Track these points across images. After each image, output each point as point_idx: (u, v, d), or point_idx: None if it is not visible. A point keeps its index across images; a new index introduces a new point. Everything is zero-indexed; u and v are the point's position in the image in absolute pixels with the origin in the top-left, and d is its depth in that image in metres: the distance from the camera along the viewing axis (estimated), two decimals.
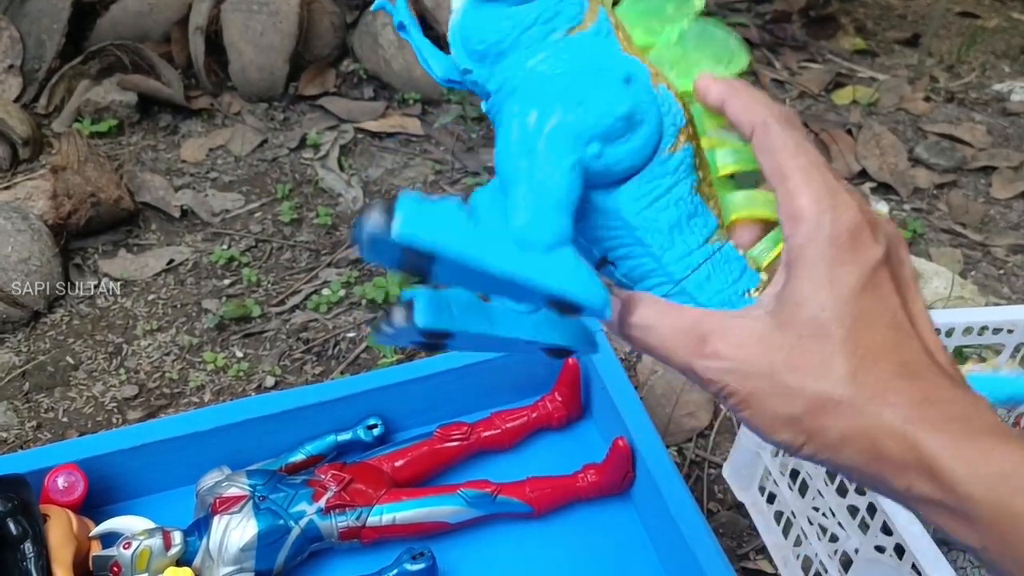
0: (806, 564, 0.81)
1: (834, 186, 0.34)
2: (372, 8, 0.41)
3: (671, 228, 0.38)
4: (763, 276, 0.40)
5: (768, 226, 0.40)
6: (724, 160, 0.39)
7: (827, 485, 0.77)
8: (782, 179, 0.35)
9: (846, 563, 0.74)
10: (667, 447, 0.96)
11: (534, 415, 0.89)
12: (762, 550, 0.86)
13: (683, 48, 0.39)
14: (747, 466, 0.88)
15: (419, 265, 0.32)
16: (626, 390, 0.86)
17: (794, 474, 0.83)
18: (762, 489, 0.87)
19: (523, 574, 0.80)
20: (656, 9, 0.39)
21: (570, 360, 0.89)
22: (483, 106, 0.40)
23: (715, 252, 0.39)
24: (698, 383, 0.36)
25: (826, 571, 0.77)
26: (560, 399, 0.90)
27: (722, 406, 0.37)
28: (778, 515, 0.86)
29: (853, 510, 0.75)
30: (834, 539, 0.78)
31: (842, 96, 1.71)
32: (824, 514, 0.78)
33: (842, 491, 0.75)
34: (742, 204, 0.40)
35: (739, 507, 0.89)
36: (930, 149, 1.54)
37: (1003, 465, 0.30)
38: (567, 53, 0.37)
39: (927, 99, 1.75)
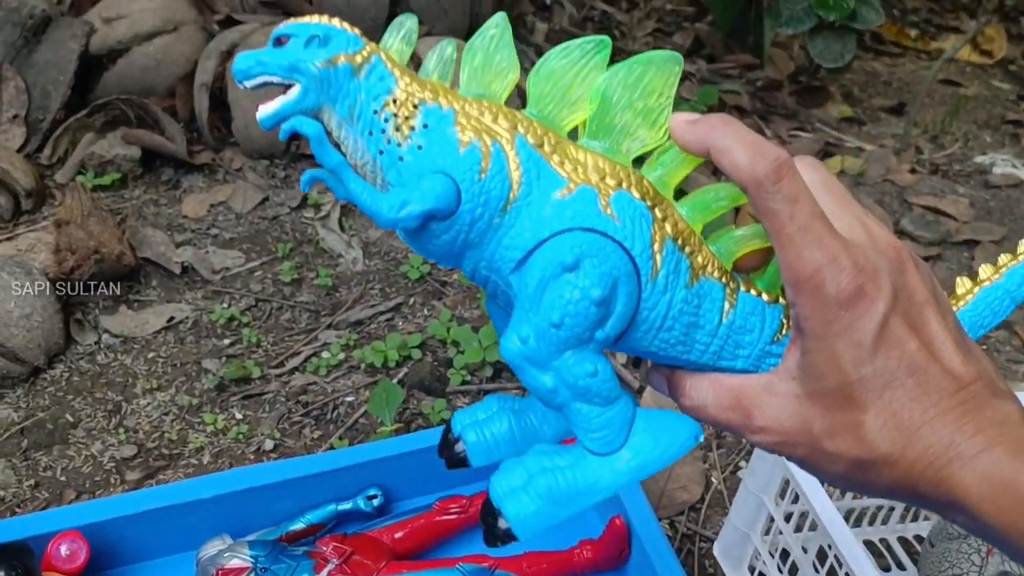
0: None
1: (833, 248, 0.35)
2: (305, 189, 0.39)
3: (686, 334, 0.39)
4: (782, 301, 0.41)
5: (768, 252, 0.41)
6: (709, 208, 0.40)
7: (816, 572, 0.78)
8: (780, 247, 0.36)
9: None
10: (659, 520, 0.98)
11: None
12: None
13: (612, 109, 0.38)
14: (737, 545, 0.89)
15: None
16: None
17: (784, 555, 0.85)
18: (752, 569, 0.89)
19: None
20: (569, 83, 0.38)
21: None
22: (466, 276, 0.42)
23: (732, 323, 0.40)
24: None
25: None
26: None
27: None
28: None
29: None
30: None
31: (831, 166, 1.75)
32: None
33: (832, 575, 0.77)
34: (740, 242, 0.40)
35: None
36: (915, 222, 1.58)
37: (1022, 493, 0.33)
38: (514, 235, 0.38)
39: (912, 171, 1.79)
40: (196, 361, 1.12)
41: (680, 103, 1.64)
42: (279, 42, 0.37)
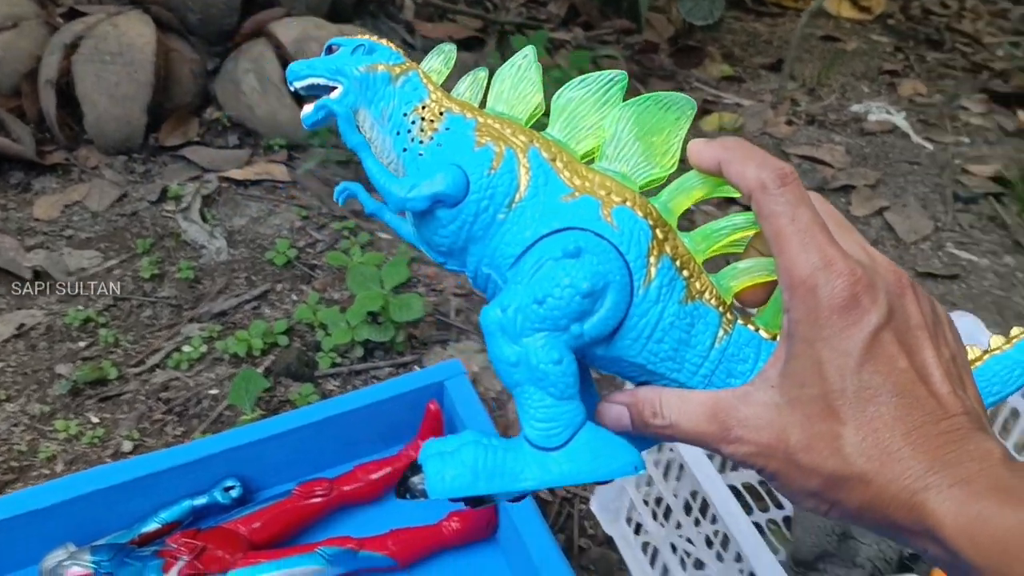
0: None
1: (830, 254, 0.35)
2: (339, 203, 0.43)
3: (675, 350, 0.39)
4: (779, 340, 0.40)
5: (771, 285, 0.40)
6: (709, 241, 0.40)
7: (687, 515, 0.77)
8: (779, 249, 0.36)
9: None
10: None
11: (399, 465, 0.88)
12: None
13: (626, 139, 0.40)
14: (613, 499, 0.88)
15: (474, 500, 0.38)
16: (489, 432, 0.86)
17: (658, 501, 0.83)
18: (629, 520, 0.87)
19: None
20: (586, 111, 0.40)
21: (432, 405, 0.88)
22: (471, 283, 0.43)
23: (726, 349, 0.39)
24: (726, 459, 0.37)
25: None
26: None
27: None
28: (645, 546, 0.86)
29: (710, 540, 0.76)
30: (699, 566, 0.78)
31: (709, 123, 1.75)
32: (689, 540, 0.79)
33: (699, 520, 0.75)
34: (741, 275, 0.40)
35: (610, 542, 0.89)
36: None
37: (999, 533, 0.31)
38: (516, 230, 0.39)
39: (789, 122, 1.81)
40: (48, 367, 1.06)
41: (553, 70, 1.62)
42: (330, 50, 0.42)
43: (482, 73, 0.42)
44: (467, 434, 0.39)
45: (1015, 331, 0.43)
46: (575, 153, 0.40)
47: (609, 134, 0.40)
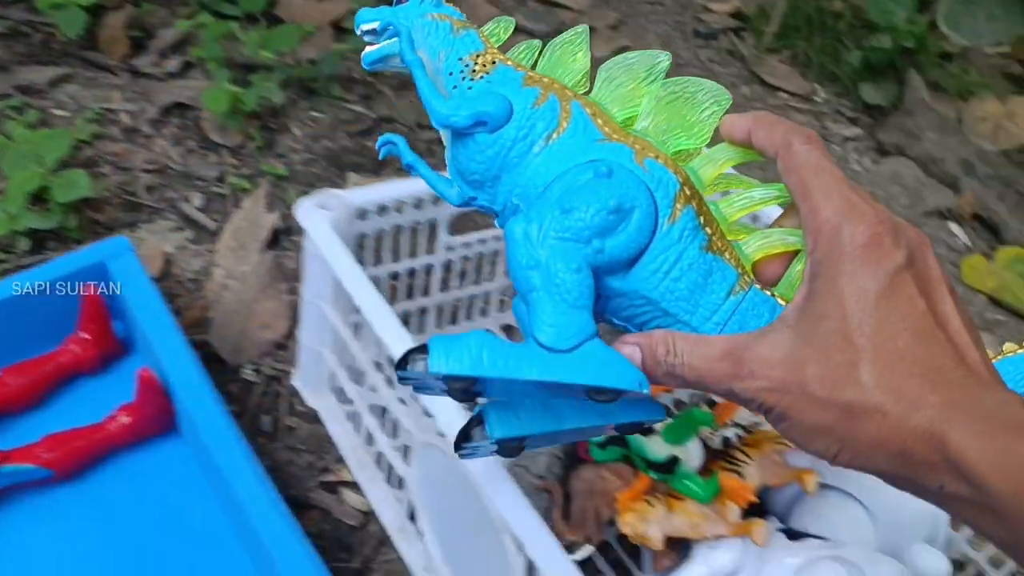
0: (379, 463, 0.75)
1: (854, 199, 0.36)
2: (380, 156, 0.45)
3: (691, 292, 0.40)
4: None
5: (789, 258, 0.41)
6: (733, 207, 0.42)
7: (377, 370, 0.70)
8: (805, 197, 0.37)
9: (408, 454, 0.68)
10: (244, 364, 0.86)
11: (59, 362, 0.76)
12: (342, 459, 0.79)
13: (662, 111, 0.42)
14: (314, 369, 0.80)
15: (466, 390, 0.38)
16: (161, 316, 0.75)
17: (357, 373, 0.76)
18: (339, 391, 0.80)
19: (55, 547, 0.67)
20: (628, 82, 0.42)
21: (87, 290, 0.76)
22: (496, 223, 0.43)
23: (740, 302, 0.40)
24: (738, 402, 0.37)
25: (392, 467, 0.71)
26: (88, 337, 0.77)
27: (765, 420, 0.38)
28: (350, 416, 0.78)
29: (403, 400, 0.69)
30: (396, 429, 0.72)
31: None
32: (384, 408, 0.72)
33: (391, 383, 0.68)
34: (759, 244, 0.41)
35: (319, 417, 0.81)
36: (530, 16, 1.52)
37: None
38: (551, 161, 0.40)
39: None
40: None
41: None
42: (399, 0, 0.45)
43: (536, 42, 0.44)
44: (475, 331, 0.39)
45: None
46: (614, 117, 0.42)
47: (647, 106, 0.42)
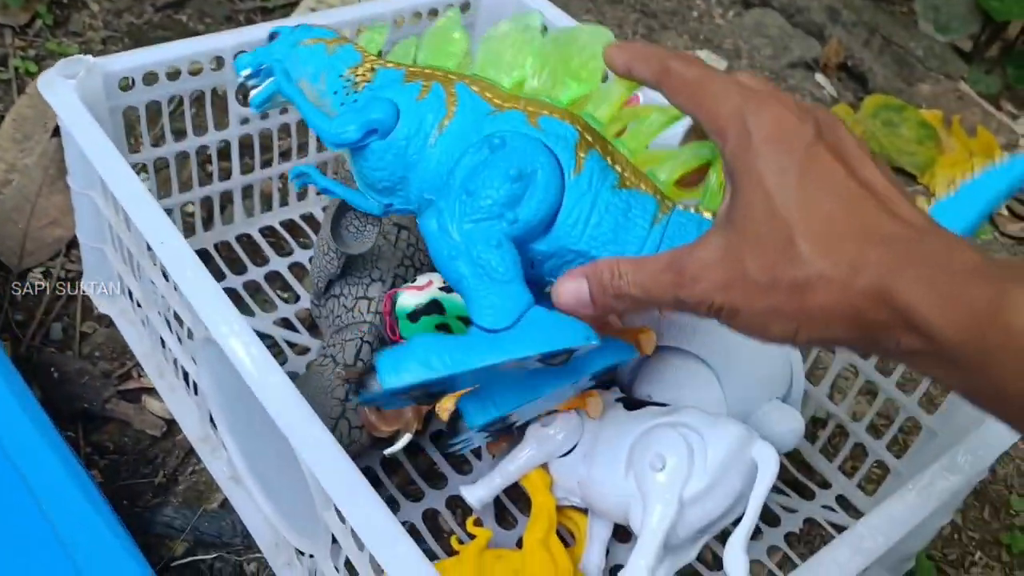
0: (177, 369, 0.67)
1: (749, 90, 0.36)
2: (295, 187, 0.51)
3: (615, 232, 0.41)
4: None
5: (704, 171, 0.42)
6: (638, 138, 0.42)
7: (155, 264, 0.61)
8: (698, 107, 0.37)
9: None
10: (31, 269, 0.77)
11: None
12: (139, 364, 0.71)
13: (547, 64, 0.43)
14: (100, 270, 0.71)
15: (429, 391, 0.40)
16: None
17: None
18: (130, 294, 0.71)
19: None
20: (508, 48, 0.43)
21: None
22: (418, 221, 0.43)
23: (666, 227, 0.41)
24: (687, 311, 0.37)
25: (189, 373, 0.64)
26: None
27: (720, 322, 0.36)
28: (144, 320, 0.70)
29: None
30: (180, 323, 0.64)
31: None
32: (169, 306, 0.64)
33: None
34: (672, 165, 0.42)
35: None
36: None
37: (976, 304, 0.30)
38: (448, 148, 0.42)
39: None
40: None
41: None
42: (272, 37, 0.48)
43: (412, 38, 0.45)
44: (417, 335, 0.39)
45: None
46: (503, 87, 0.43)
47: (532, 65, 0.43)
